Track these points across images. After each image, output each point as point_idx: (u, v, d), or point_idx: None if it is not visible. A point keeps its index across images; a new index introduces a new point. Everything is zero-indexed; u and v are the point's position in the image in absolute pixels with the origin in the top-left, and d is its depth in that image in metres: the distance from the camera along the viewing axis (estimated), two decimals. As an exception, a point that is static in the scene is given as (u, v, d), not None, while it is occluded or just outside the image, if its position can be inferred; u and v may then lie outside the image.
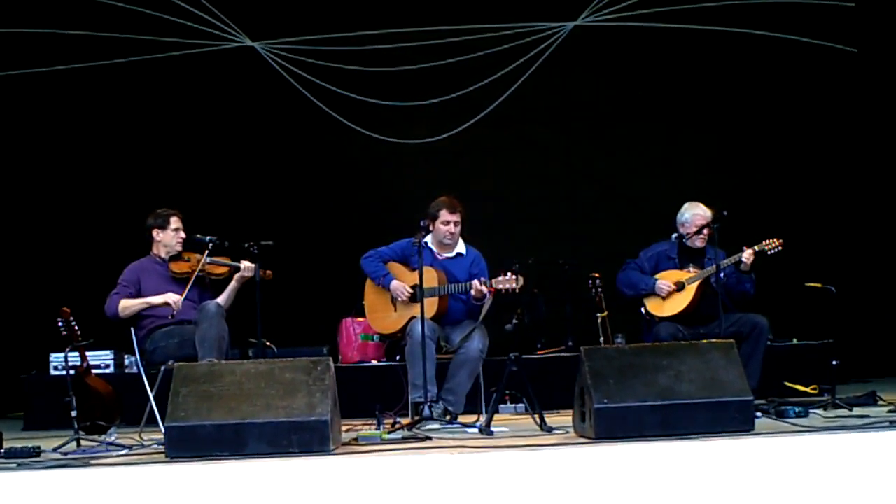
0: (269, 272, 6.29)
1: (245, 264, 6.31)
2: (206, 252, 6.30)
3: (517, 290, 6.24)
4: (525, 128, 9.30)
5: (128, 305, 6.25)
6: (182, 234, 6.47)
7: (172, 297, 6.20)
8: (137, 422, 6.07)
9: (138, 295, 6.30)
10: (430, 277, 6.45)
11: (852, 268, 8.75)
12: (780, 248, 6.44)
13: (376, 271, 6.66)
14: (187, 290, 6.23)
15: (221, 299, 6.34)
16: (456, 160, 9.13)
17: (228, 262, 6.38)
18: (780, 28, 9.10)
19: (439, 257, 6.68)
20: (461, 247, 6.73)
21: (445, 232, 6.61)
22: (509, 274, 6.20)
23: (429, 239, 6.65)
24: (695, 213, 6.73)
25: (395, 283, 6.57)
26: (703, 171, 9.08)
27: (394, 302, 6.62)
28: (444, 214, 6.59)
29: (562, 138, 9.35)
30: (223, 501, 4.24)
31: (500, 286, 6.22)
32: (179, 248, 6.45)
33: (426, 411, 5.97)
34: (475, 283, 6.32)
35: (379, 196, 9.15)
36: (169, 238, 6.45)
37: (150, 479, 4.35)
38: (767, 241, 6.46)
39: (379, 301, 6.71)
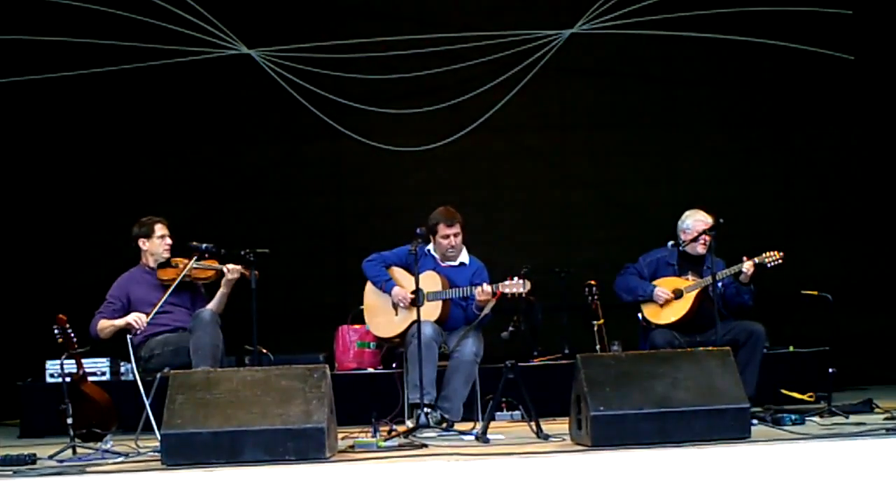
0: (255, 272, 6.18)
1: (229, 266, 6.25)
2: (194, 257, 6.25)
3: (524, 295, 6.22)
4: (522, 135, 9.29)
5: (104, 327, 6.23)
6: (168, 241, 6.39)
7: (133, 317, 6.14)
8: (133, 429, 6.06)
9: (126, 308, 6.25)
10: (434, 282, 6.43)
11: (849, 275, 8.75)
12: (780, 261, 6.44)
13: (378, 276, 6.62)
14: (166, 296, 6.16)
15: (213, 305, 6.30)
16: (452, 168, 9.11)
17: (214, 265, 6.31)
18: (777, 35, 9.09)
19: (442, 264, 6.65)
20: (464, 256, 6.68)
21: (447, 246, 6.55)
22: (516, 278, 6.19)
23: (430, 247, 6.64)
24: (696, 220, 6.74)
25: (396, 290, 6.52)
26: (699, 178, 9.06)
27: (395, 305, 6.58)
28: (442, 228, 6.53)
29: (558, 146, 9.34)
30: (219, 509, 4.24)
31: (507, 290, 6.19)
32: (167, 254, 6.37)
33: (422, 419, 5.96)
34: (480, 287, 6.27)
35: (375, 204, 9.13)
36: (155, 246, 6.37)
37: (146, 487, 4.35)
38: (768, 254, 6.46)
39: (379, 304, 6.66)
